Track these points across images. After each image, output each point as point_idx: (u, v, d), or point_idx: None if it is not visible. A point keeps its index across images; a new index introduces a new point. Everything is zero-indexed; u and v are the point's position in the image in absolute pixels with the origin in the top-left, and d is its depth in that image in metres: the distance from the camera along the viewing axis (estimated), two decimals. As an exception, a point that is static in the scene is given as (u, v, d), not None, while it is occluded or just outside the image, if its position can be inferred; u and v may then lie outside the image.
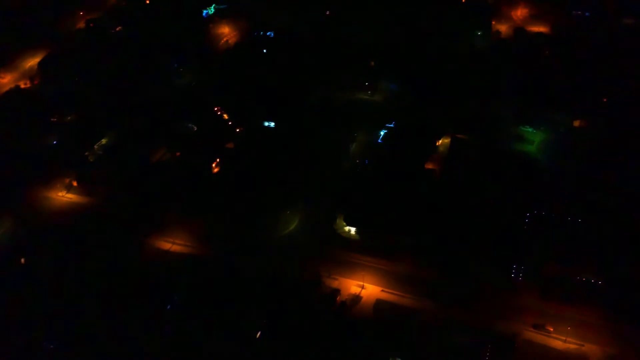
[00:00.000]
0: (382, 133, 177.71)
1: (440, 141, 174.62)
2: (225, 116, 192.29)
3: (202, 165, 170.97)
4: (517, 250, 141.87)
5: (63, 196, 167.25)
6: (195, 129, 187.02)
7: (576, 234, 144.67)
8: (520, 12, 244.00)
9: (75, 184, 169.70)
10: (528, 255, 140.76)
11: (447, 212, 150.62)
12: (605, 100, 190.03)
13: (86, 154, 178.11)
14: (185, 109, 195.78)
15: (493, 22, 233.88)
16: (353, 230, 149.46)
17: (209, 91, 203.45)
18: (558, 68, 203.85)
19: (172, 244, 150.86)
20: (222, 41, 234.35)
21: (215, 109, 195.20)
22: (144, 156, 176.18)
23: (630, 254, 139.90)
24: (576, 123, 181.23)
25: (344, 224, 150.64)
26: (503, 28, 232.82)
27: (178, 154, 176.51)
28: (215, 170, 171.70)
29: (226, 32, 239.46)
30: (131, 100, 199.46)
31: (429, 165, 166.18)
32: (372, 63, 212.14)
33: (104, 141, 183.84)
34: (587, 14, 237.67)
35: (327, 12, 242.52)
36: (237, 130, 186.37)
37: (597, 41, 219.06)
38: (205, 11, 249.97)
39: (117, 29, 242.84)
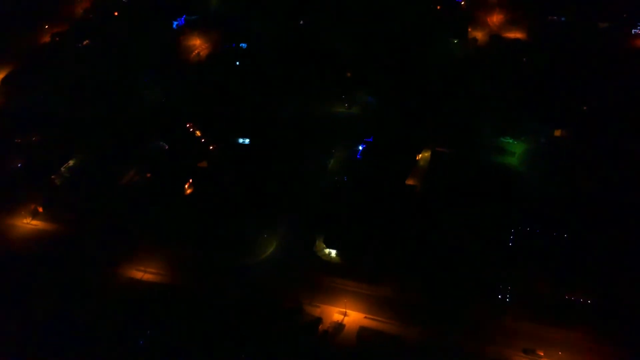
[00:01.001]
0: (360, 148, 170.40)
1: (420, 155, 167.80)
2: (198, 133, 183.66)
3: (174, 187, 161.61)
4: (503, 269, 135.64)
5: (28, 223, 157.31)
6: (167, 147, 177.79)
7: (563, 251, 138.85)
8: (495, 18, 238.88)
9: (40, 209, 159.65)
10: (514, 275, 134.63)
11: (430, 231, 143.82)
12: (585, 108, 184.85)
13: (52, 177, 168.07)
14: (156, 126, 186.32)
15: (469, 29, 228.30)
16: (333, 252, 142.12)
17: (180, 107, 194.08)
18: (536, 76, 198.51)
19: (143, 273, 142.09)
20: (194, 54, 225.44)
21: (187, 125, 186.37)
22: (113, 178, 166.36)
23: (620, 271, 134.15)
24: (557, 133, 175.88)
25: (324, 246, 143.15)
26: (479, 35, 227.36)
27: (149, 175, 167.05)
28: (188, 191, 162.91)
29: (197, 44, 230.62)
30: (99, 118, 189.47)
31: (410, 181, 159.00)
32: (349, 74, 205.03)
33: (71, 163, 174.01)
34: (562, 19, 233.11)
35: (301, 22, 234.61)
36: (211, 147, 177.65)
37: (574, 46, 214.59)
38: (175, 22, 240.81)
39: (84, 42, 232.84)
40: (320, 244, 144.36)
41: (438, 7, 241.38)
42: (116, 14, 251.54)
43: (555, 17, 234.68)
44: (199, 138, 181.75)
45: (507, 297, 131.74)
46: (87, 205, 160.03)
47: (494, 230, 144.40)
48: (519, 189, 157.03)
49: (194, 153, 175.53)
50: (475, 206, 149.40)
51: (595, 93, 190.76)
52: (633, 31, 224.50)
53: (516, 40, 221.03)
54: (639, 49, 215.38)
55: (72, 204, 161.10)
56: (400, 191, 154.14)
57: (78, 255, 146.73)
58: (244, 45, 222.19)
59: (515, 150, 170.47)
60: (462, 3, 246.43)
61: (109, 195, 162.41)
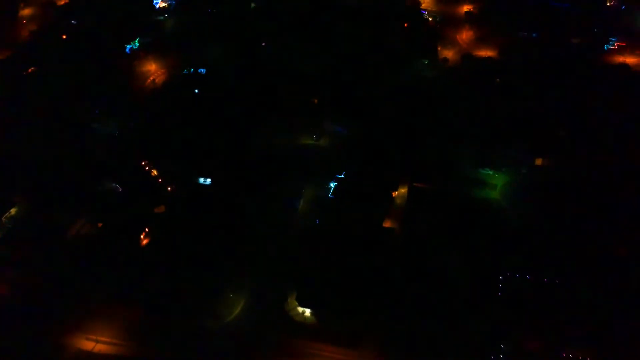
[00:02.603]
0: (332, 186, 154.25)
1: (396, 192, 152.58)
2: (154, 172, 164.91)
3: (129, 238, 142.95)
4: (493, 323, 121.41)
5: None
6: (120, 190, 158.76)
7: (557, 301, 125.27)
8: (465, 35, 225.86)
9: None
10: (507, 330, 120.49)
11: (412, 284, 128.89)
12: (562, 133, 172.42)
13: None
14: (108, 164, 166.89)
15: (439, 48, 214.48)
16: (308, 311, 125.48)
17: (135, 142, 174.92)
18: (511, 99, 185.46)
19: (95, 343, 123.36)
20: (149, 80, 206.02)
21: (143, 163, 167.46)
22: (60, 229, 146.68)
23: (621, 321, 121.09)
24: (538, 161, 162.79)
25: (296, 304, 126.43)
26: (450, 54, 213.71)
27: (100, 224, 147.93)
28: (144, 242, 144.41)
29: (152, 69, 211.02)
30: (44, 157, 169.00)
31: (388, 223, 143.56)
32: (315, 100, 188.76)
33: (13, 211, 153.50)
34: (533, 34, 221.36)
35: (263, 43, 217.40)
36: (169, 189, 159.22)
37: (546, 64, 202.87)
38: (128, 46, 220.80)
39: (30, 70, 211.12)
40: (292, 301, 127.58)
41: (405, 25, 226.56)
42: (64, 37, 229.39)
43: (525, 33, 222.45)
44: (156, 178, 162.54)
45: (500, 356, 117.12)
46: (31, 261, 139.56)
47: (481, 279, 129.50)
48: (503, 228, 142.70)
49: (150, 196, 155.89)
50: (459, 251, 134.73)
51: (573, 115, 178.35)
52: (605, 47, 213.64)
53: (488, 59, 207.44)
54: (614, 65, 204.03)
55: (13, 260, 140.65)
56: (378, 236, 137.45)
57: (18, 322, 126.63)
58: (202, 70, 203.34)
59: (496, 182, 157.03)
60: (430, 20, 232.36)
61: (56, 249, 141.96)
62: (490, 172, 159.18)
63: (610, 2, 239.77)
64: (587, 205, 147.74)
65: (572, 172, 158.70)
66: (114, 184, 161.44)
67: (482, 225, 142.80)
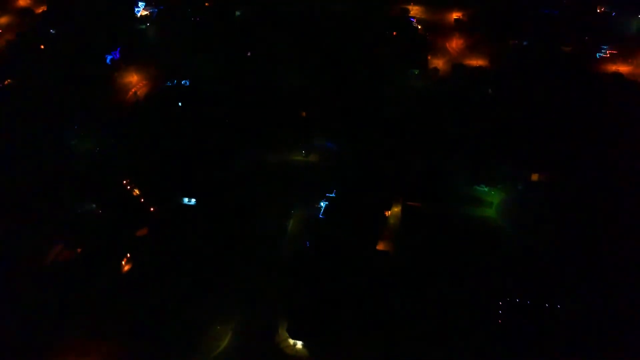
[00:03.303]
0: (323, 205, 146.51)
1: (389, 212, 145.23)
2: (136, 192, 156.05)
3: (110, 264, 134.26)
4: (493, 352, 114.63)
5: None
6: (100, 212, 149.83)
7: (560, 328, 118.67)
8: (455, 44, 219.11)
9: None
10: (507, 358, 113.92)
11: (410, 311, 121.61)
12: (558, 145, 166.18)
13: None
14: (87, 184, 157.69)
15: (429, 57, 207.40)
16: (299, 344, 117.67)
17: (116, 159, 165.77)
18: (504, 111, 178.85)
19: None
20: (130, 93, 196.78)
21: (124, 182, 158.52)
22: (37, 257, 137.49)
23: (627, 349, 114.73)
24: (534, 177, 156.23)
25: (287, 335, 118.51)
26: (440, 63, 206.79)
27: (79, 250, 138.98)
28: (126, 268, 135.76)
29: (134, 81, 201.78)
30: (19, 177, 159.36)
31: (381, 245, 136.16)
32: (303, 113, 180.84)
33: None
34: (524, 42, 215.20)
35: (248, 53, 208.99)
36: (151, 209, 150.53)
37: (539, 73, 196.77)
38: (109, 56, 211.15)
39: (6, 82, 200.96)
40: (283, 332, 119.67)
41: (394, 33, 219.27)
42: (43, 47, 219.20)
43: (516, 41, 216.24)
44: (138, 198, 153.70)
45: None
46: (4, 291, 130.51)
47: (480, 305, 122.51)
48: (502, 249, 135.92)
49: (132, 218, 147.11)
50: (456, 276, 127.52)
51: (568, 127, 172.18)
52: (598, 55, 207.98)
53: (479, 68, 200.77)
54: (607, 74, 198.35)
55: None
56: (372, 260, 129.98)
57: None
58: (186, 82, 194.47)
59: (492, 200, 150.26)
60: (419, 28, 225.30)
61: (34, 277, 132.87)
62: (486, 189, 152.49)
63: (600, 9, 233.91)
64: (589, 224, 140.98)
65: (570, 188, 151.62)
66: (93, 205, 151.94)
67: (480, 246, 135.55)
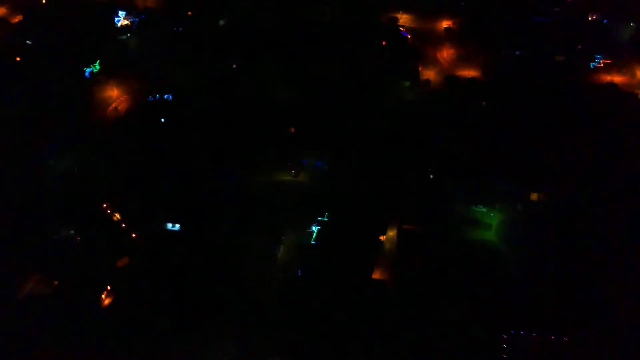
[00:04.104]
0: (314, 229, 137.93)
1: (384, 236, 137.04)
2: (117, 216, 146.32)
3: (89, 298, 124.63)
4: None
5: None
6: (78, 239, 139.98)
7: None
8: (446, 53, 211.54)
9: None
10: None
11: (408, 342, 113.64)
12: (557, 162, 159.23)
13: None
14: (65, 208, 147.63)
15: (420, 68, 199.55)
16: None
17: (95, 180, 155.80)
18: (498, 124, 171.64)
19: None
20: (110, 108, 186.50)
21: (104, 206, 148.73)
22: (10, 289, 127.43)
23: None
24: (533, 196, 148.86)
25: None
26: (431, 75, 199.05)
27: (56, 282, 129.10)
28: (106, 302, 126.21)
29: (114, 95, 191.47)
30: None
31: (377, 274, 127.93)
32: (292, 129, 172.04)
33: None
34: (517, 52, 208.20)
35: (234, 65, 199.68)
36: (133, 236, 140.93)
37: (532, 84, 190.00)
38: (88, 69, 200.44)
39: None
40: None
41: (384, 43, 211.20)
42: (18, 59, 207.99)
43: (509, 51, 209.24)
44: (119, 223, 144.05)
45: None
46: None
47: (483, 338, 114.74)
48: (503, 276, 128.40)
49: (112, 246, 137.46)
50: (456, 306, 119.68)
51: (565, 142, 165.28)
52: (591, 65, 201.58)
53: (472, 80, 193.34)
54: (602, 85, 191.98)
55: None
56: (367, 291, 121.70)
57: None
58: (169, 96, 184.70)
59: (491, 222, 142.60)
60: (409, 37, 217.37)
61: (5, 312, 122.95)
62: (484, 210, 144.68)
63: (592, 16, 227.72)
64: (593, 246, 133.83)
65: (571, 207, 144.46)
66: (71, 232, 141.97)
67: (480, 273, 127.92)
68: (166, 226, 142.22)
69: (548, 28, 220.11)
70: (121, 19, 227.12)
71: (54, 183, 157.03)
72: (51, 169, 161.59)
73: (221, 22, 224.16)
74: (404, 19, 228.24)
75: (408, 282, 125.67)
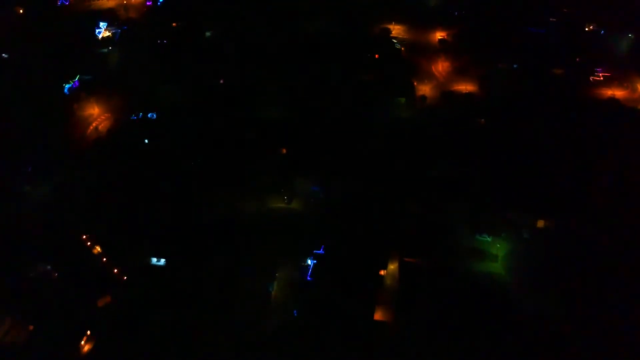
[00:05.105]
0: (310, 263, 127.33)
1: (384, 271, 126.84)
2: (98, 249, 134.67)
3: (67, 345, 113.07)
4: None
5: None
6: (56, 275, 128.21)
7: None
8: (441, 67, 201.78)
9: None
10: None
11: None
12: (562, 185, 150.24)
13: None
14: (42, 240, 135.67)
15: (415, 83, 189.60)
16: None
17: (73, 209, 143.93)
18: (500, 145, 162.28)
19: None
20: (91, 127, 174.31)
21: (84, 237, 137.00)
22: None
23: None
24: (539, 223, 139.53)
25: None
26: (426, 89, 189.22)
27: (31, 327, 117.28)
28: (86, 348, 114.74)
29: (95, 113, 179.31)
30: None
31: (378, 314, 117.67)
32: (284, 150, 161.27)
33: None
34: (514, 66, 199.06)
35: (221, 81, 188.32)
36: (115, 271, 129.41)
37: (531, 101, 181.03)
38: (67, 85, 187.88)
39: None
40: None
41: (377, 56, 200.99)
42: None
43: (505, 64, 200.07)
44: (99, 257, 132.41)
45: None
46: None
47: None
48: (512, 313, 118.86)
49: (93, 283, 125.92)
50: (464, 345, 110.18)
51: (570, 164, 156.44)
52: (591, 78, 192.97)
53: (469, 95, 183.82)
54: (603, 100, 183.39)
55: None
56: (370, 335, 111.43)
57: None
58: (153, 115, 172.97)
59: (497, 252, 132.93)
60: (402, 49, 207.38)
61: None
62: (489, 239, 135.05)
63: (589, 27, 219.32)
64: (605, 278, 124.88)
65: (580, 235, 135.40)
66: (48, 267, 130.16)
67: (488, 310, 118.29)
68: (151, 261, 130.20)
69: (544, 39, 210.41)
70: (102, 30, 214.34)
71: (29, 211, 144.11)
72: (26, 196, 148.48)
73: (207, 34, 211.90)
74: (396, 29, 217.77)
75: (412, 323, 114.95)
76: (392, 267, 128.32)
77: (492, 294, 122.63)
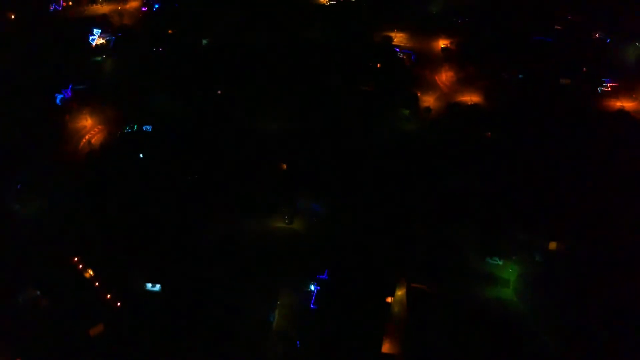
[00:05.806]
0: (313, 289, 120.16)
1: (391, 298, 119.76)
2: (90, 273, 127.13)
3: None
4: None
5: None
6: (45, 302, 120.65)
7: None
8: (445, 77, 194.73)
9: None
10: None
11: None
12: (575, 205, 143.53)
13: None
14: (30, 262, 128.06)
15: (418, 94, 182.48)
16: None
17: (64, 230, 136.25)
18: (509, 162, 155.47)
19: None
20: (84, 140, 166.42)
21: (75, 260, 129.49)
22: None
23: None
24: (552, 246, 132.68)
25: None
26: (430, 100, 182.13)
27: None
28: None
29: (88, 125, 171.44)
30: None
31: (386, 346, 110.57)
32: (284, 166, 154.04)
33: None
34: (520, 76, 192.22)
35: (219, 92, 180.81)
36: (108, 297, 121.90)
37: (538, 111, 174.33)
38: (59, 96, 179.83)
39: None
40: None
41: (378, 65, 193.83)
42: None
43: (511, 74, 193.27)
44: (91, 281, 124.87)
45: None
46: None
47: None
48: (525, 341, 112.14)
49: (84, 310, 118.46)
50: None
51: (583, 181, 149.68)
52: (599, 89, 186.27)
53: (475, 107, 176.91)
54: (612, 113, 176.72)
55: None
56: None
57: None
58: (148, 127, 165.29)
59: (508, 277, 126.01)
60: (405, 58, 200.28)
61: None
62: (500, 262, 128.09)
63: (595, 35, 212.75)
64: (624, 303, 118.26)
65: (595, 257, 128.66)
66: (37, 293, 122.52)
67: (501, 340, 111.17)
68: (145, 286, 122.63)
69: (550, 48, 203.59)
70: (96, 38, 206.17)
71: (17, 231, 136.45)
72: (14, 215, 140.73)
73: (204, 42, 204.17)
74: (398, 37, 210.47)
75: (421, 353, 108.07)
76: (400, 293, 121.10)
77: (505, 324, 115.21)
